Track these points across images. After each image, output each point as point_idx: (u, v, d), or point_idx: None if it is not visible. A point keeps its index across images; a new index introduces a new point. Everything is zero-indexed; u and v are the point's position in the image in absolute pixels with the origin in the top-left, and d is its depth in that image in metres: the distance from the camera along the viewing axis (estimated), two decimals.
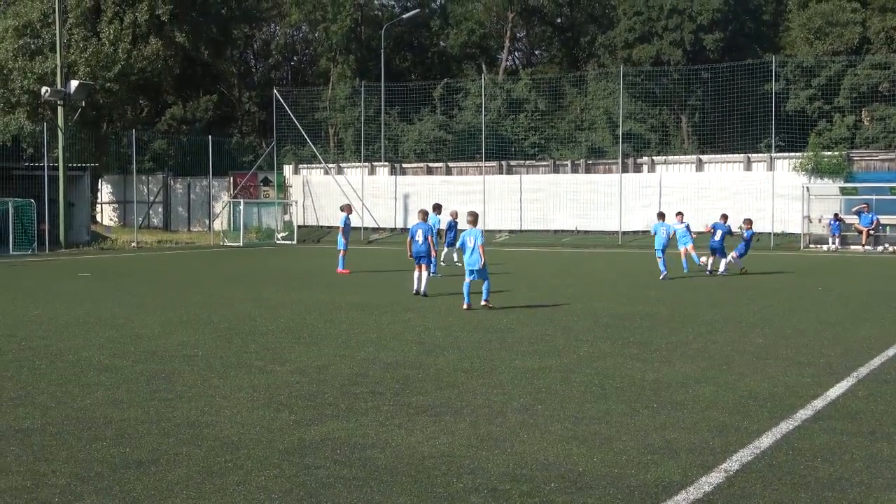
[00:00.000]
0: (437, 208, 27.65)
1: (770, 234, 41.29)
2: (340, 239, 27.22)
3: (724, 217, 27.32)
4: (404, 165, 52.65)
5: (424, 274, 19.93)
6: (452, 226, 28.45)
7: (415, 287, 20.06)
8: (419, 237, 19.92)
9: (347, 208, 28.53)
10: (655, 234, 25.67)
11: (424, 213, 21.20)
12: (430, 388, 10.27)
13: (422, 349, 12.92)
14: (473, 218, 18.10)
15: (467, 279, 17.58)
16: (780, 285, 23.53)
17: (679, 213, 28.00)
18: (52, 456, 7.58)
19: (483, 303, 17.49)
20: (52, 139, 41.95)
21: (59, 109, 41.62)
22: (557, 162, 49.90)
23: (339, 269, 26.90)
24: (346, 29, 64.45)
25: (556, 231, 46.48)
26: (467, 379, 10.76)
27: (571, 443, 7.95)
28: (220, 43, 59.34)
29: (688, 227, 27.17)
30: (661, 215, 26.83)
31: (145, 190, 56.94)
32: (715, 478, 6.98)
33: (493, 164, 49.48)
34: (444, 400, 9.64)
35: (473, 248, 17.25)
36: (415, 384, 10.46)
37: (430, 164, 52.08)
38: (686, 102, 53.90)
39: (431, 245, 20.11)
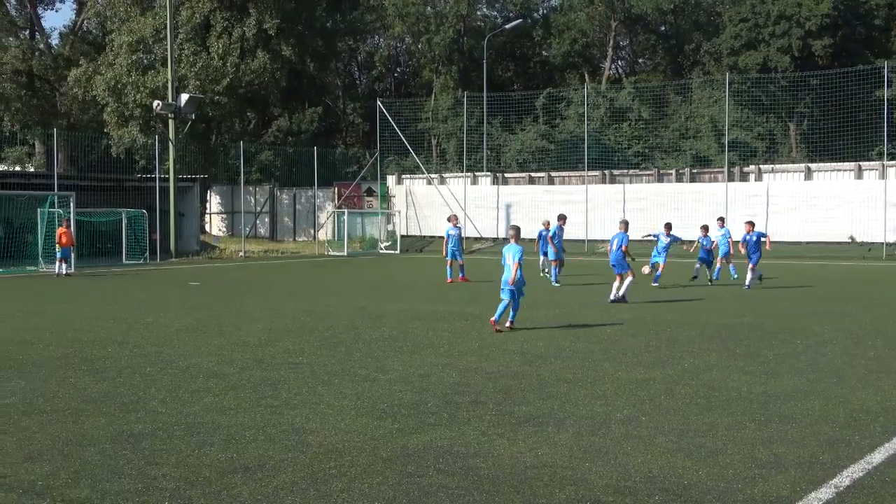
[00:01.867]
0: (563, 218, 27.44)
1: (883, 243, 40.15)
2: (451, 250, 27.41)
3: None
4: (507, 175, 52.64)
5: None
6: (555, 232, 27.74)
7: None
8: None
9: (454, 219, 28.59)
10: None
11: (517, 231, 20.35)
12: (533, 398, 10.23)
13: (524, 359, 12.88)
14: (515, 232, 16.44)
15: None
16: (893, 296, 22.83)
17: (720, 219, 28.10)
18: (161, 460, 7.76)
19: (508, 324, 15.85)
20: (164, 151, 43.05)
21: (170, 122, 42.68)
22: (661, 171, 49.33)
23: (449, 278, 27.15)
24: (448, 40, 64.84)
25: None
26: (570, 389, 10.69)
27: (676, 455, 7.83)
28: (325, 56, 60.18)
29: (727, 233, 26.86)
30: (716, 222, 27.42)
31: (252, 200, 58.01)
32: (825, 493, 6.80)
33: (596, 173, 49.14)
34: (547, 410, 9.59)
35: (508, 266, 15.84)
36: (517, 394, 10.43)
37: (533, 174, 51.98)
38: (794, 110, 52.77)
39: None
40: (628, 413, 9.44)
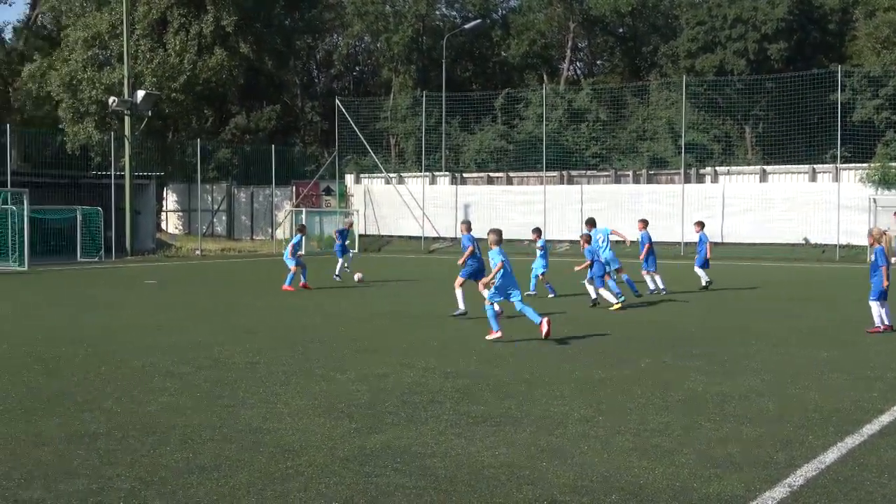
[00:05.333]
0: (591, 223, 25.06)
1: (836, 245, 40.67)
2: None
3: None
4: (465, 175, 52.72)
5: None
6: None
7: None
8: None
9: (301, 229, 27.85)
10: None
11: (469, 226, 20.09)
12: (490, 397, 10.25)
13: (481, 359, 12.91)
14: (497, 237, 15.23)
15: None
16: (845, 298, 23.14)
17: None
18: (116, 460, 7.70)
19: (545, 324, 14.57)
20: (120, 148, 42.67)
21: (126, 119, 42.31)
22: (619, 172, 49.65)
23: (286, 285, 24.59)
24: (407, 39, 64.80)
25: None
26: (527, 389, 10.72)
27: (632, 455, 7.88)
28: (284, 53, 59.90)
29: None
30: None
31: (209, 198, 57.65)
32: (779, 492, 6.88)
33: (554, 174, 49.35)
34: (504, 410, 9.62)
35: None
36: (475, 394, 10.45)
37: (491, 174, 52.11)
38: (750, 112, 53.31)
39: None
40: (585, 413, 9.50)
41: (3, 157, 38.41)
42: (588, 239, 20.59)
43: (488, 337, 14.62)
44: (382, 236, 51.91)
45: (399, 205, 51.51)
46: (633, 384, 11.02)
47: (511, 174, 51.42)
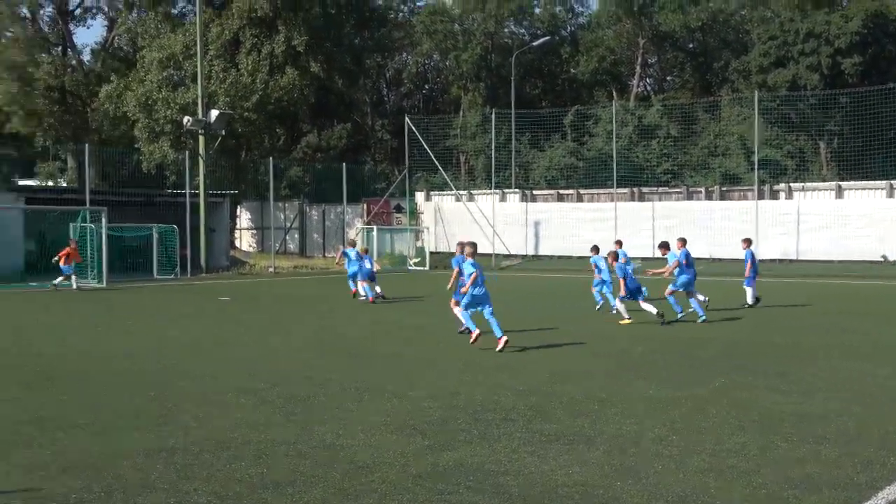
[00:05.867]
0: (619, 243, 25.47)
1: None
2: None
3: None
4: (535, 192, 52.64)
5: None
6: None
7: None
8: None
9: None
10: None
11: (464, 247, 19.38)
12: (563, 415, 10.21)
13: (553, 377, 12.85)
14: (472, 249, 16.26)
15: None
16: None
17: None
18: (193, 475, 7.81)
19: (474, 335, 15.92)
20: (194, 167, 43.34)
21: (200, 138, 42.97)
22: (691, 189, 49.16)
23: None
24: (476, 57, 65.02)
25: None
26: (600, 408, 10.65)
27: (708, 475, 7.79)
28: (354, 72, 60.46)
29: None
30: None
31: (282, 216, 58.24)
32: None
33: (625, 190, 49.05)
34: (577, 428, 9.57)
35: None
36: (547, 412, 10.41)
37: (561, 191, 51.96)
38: (824, 128, 52.45)
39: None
40: (659, 432, 9.40)
41: (82, 175, 39.21)
42: (616, 257, 20.89)
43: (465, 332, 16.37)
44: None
45: (469, 222, 51.55)
46: (707, 403, 10.89)
47: (581, 191, 51.22)
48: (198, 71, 43.27)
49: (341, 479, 7.67)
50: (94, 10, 59.63)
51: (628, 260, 21.97)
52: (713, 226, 44.66)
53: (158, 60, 48.84)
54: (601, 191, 50.46)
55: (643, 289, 20.39)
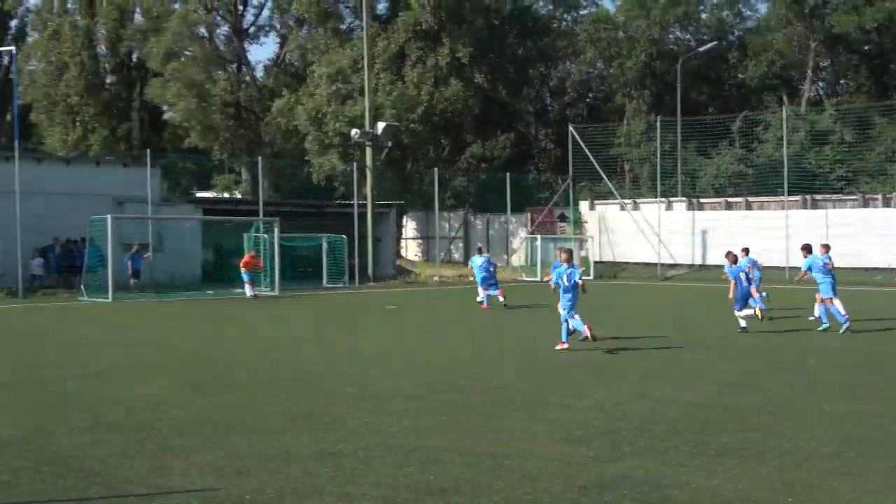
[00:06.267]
0: (745, 251, 25.08)
1: None
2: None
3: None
4: (702, 200, 51.59)
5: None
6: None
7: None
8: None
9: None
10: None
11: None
12: (733, 429, 9.97)
13: (722, 389, 12.57)
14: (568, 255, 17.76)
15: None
16: None
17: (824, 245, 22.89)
18: (362, 479, 7.97)
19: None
20: (361, 178, 44.25)
21: (368, 150, 43.84)
22: (867, 196, 47.27)
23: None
24: (640, 64, 64.19)
25: (866, 269, 43.89)
26: (772, 421, 10.37)
27: (888, 494, 7.48)
28: (517, 82, 60.63)
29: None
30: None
31: (447, 226, 58.85)
32: None
33: (797, 198, 47.51)
34: (748, 442, 9.33)
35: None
36: (716, 425, 10.19)
37: (729, 199, 50.73)
38: None
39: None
40: (834, 448, 9.08)
41: (255, 187, 40.58)
42: (734, 259, 20.95)
43: (557, 347, 16.64)
44: (617, 263, 51.44)
45: (634, 231, 50.92)
46: (884, 418, 10.46)
47: (750, 199, 49.89)
48: (365, 84, 44.18)
49: (506, 487, 7.70)
50: (266, 28, 61.62)
51: (756, 266, 22.17)
52: (893, 233, 42.75)
53: (327, 75, 50.11)
54: (771, 198, 49.03)
55: (751, 300, 20.02)
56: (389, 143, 45.24)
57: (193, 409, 11.14)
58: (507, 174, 50.65)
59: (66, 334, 20.50)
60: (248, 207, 42.30)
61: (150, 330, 21.32)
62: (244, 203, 46.54)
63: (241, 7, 59.59)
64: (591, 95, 78.49)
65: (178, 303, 30.60)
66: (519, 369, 14.50)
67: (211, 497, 7.45)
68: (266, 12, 60.66)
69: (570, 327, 16.99)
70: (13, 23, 71.14)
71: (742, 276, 19.98)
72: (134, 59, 64.37)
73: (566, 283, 17.06)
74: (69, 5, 63.07)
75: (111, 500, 7.41)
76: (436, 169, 48.60)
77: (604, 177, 53.16)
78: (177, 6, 56.69)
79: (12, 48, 56.68)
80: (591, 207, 54.45)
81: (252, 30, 61.09)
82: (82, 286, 31.39)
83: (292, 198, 51.62)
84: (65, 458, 8.69)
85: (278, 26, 61.34)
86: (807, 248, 21.17)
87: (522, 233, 54.59)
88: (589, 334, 16.55)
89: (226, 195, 59.62)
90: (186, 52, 56.77)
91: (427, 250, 59.55)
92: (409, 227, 61.33)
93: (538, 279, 46.24)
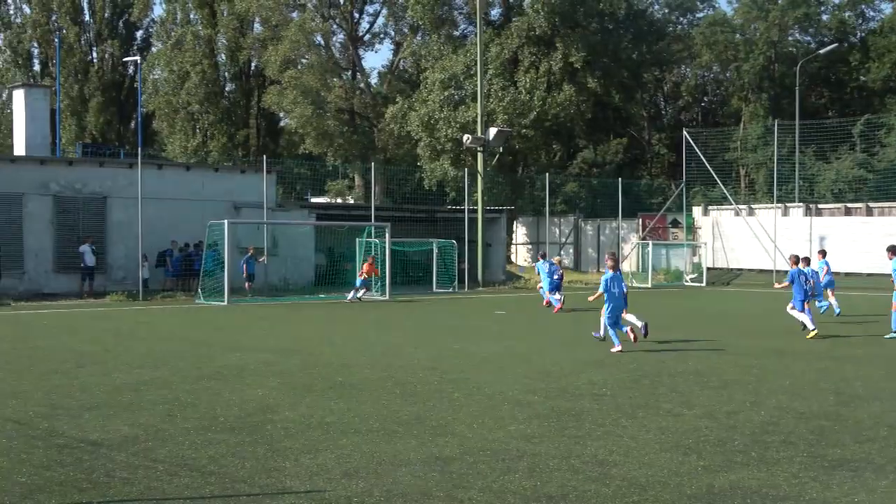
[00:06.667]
0: (822, 253, 26.78)
1: None
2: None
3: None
4: (820, 206, 50.33)
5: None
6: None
7: None
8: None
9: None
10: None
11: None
12: (848, 440, 9.71)
13: (839, 399, 12.25)
14: (614, 262, 18.37)
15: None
16: None
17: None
18: (468, 484, 7.99)
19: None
20: (472, 184, 44.40)
21: (479, 155, 43.98)
22: None
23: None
24: (758, 67, 63.01)
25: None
26: (891, 433, 10.06)
27: None
28: (631, 87, 60.13)
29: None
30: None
31: (557, 231, 58.64)
32: None
33: None
34: (865, 455, 9.07)
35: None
36: (831, 436, 9.93)
37: (849, 205, 49.39)
38: None
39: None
40: None
41: (368, 193, 41.04)
42: (796, 261, 21.91)
43: (612, 350, 17.30)
44: (731, 269, 50.55)
45: (749, 237, 49.96)
46: None
47: (871, 204, 48.48)
48: (478, 90, 44.35)
49: (613, 496, 7.63)
50: (381, 35, 62.33)
51: (829, 271, 24.89)
52: None
53: (440, 81, 50.45)
54: (894, 204, 47.58)
55: (820, 306, 21.92)
56: (501, 149, 45.32)
57: (304, 411, 11.31)
58: (619, 179, 50.23)
59: (182, 336, 21.05)
60: (360, 212, 42.85)
61: (262, 332, 21.74)
62: (356, 208, 47.14)
63: (356, 15, 60.40)
64: (706, 99, 77.39)
65: (290, 306, 31.15)
66: (628, 376, 14.35)
67: (319, 498, 7.56)
68: (381, 20, 61.42)
69: (610, 333, 17.83)
70: (138, 33, 73.46)
71: (802, 278, 21.10)
72: (252, 68, 65.87)
73: (613, 291, 17.71)
74: (192, 16, 64.88)
75: (224, 498, 7.58)
76: (547, 174, 48.52)
77: (718, 182, 52.31)
78: (294, 15, 57.73)
79: (137, 58, 58.66)
80: (705, 213, 53.62)
81: (367, 37, 61.87)
82: (199, 289, 32.21)
83: (404, 203, 52.09)
84: (180, 457, 8.92)
85: (393, 33, 62.04)
86: (891, 250, 21.10)
87: (634, 238, 54.06)
88: (618, 349, 17.29)
89: (338, 200, 60.42)
90: (303, 60, 57.84)
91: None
92: (520, 232, 61.28)
93: (649, 285, 45.73)
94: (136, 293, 32.36)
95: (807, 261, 22.79)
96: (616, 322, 17.78)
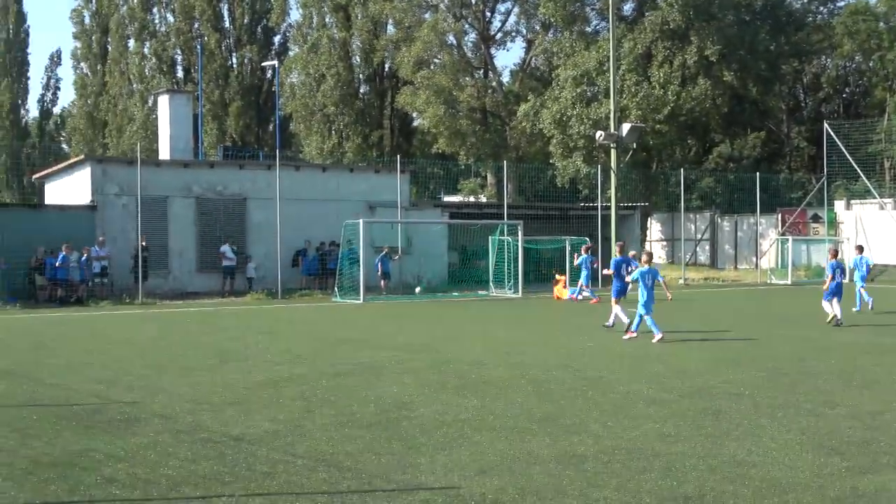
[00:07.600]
0: (860, 248, 27.06)
1: None
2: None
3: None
4: None
5: None
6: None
7: None
8: None
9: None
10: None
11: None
12: None
13: None
14: (648, 258, 20.26)
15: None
16: None
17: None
18: (603, 483, 7.95)
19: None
20: (605, 180, 44.02)
21: (612, 152, 43.53)
22: None
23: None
24: None
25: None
26: None
27: None
28: (768, 79, 58.61)
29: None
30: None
31: (693, 227, 57.66)
32: None
33: None
34: None
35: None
36: None
37: None
38: None
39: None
40: None
41: (500, 191, 41.11)
42: (835, 254, 23.89)
43: (654, 340, 18.22)
44: (875, 265, 48.86)
45: (894, 232, 48.21)
46: None
47: None
48: (610, 86, 43.93)
49: (753, 497, 7.49)
50: (513, 34, 62.28)
51: (867, 265, 26.65)
52: None
53: (573, 78, 50.14)
54: None
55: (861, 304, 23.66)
56: (634, 145, 44.75)
57: (438, 408, 11.41)
58: (757, 174, 49.05)
59: (318, 334, 21.46)
60: (492, 211, 42.93)
61: (396, 330, 22.01)
62: (489, 206, 47.23)
63: (488, 14, 60.48)
64: (847, 90, 74.98)
65: (424, 304, 31.44)
66: (767, 375, 14.02)
67: (454, 495, 7.63)
68: (512, 18, 61.29)
69: (645, 323, 19.00)
70: (276, 38, 75.16)
71: (839, 272, 22.85)
72: (386, 69, 66.67)
73: (648, 284, 18.97)
74: (327, 19, 66.02)
75: (361, 494, 7.71)
76: (682, 170, 47.70)
77: (861, 175, 50.61)
78: (427, 16, 58.19)
79: (275, 62, 59.98)
80: (848, 207, 51.99)
81: (499, 36, 61.89)
82: (336, 287, 32.79)
83: (536, 200, 51.94)
84: (318, 452, 9.12)
85: (524, 31, 61.88)
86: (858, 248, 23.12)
87: (773, 234, 52.75)
88: (659, 337, 18.49)
89: (471, 199, 60.62)
90: (435, 60, 58.24)
91: (672, 252, 58.52)
92: (654, 228, 60.47)
93: (789, 282, 44.58)
94: (275, 292, 33.13)
95: (857, 251, 24.95)
96: (648, 311, 18.91)
